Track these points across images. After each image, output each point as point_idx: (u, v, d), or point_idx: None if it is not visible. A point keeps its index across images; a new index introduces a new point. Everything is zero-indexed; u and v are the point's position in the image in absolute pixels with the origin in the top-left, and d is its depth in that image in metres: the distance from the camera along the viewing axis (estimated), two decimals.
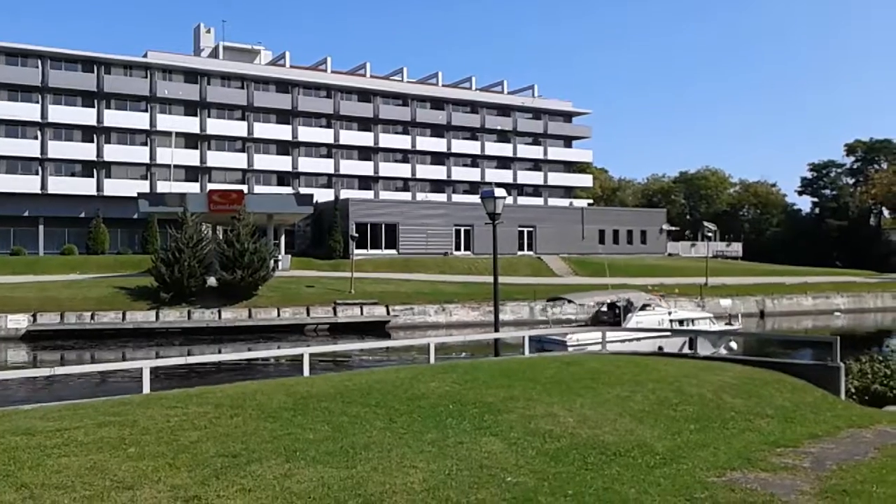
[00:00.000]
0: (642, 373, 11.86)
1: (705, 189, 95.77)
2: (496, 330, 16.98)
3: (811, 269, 59.54)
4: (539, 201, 74.02)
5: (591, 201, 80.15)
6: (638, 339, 23.66)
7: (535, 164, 77.22)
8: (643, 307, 27.68)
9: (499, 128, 75.05)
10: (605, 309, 28.33)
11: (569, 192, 78.51)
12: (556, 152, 78.01)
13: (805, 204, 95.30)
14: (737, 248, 75.70)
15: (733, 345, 23.32)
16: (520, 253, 58.06)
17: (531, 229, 60.20)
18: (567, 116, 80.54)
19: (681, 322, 28.18)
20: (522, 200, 72.00)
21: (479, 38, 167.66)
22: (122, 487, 5.65)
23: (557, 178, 77.52)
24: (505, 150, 75.16)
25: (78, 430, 7.50)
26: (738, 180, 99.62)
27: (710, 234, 57.30)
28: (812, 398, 12.19)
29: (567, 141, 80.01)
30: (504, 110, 76.23)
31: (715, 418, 9.80)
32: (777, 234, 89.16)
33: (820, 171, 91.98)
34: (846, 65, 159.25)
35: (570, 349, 22.37)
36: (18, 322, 32.62)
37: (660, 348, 23.71)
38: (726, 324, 30.19)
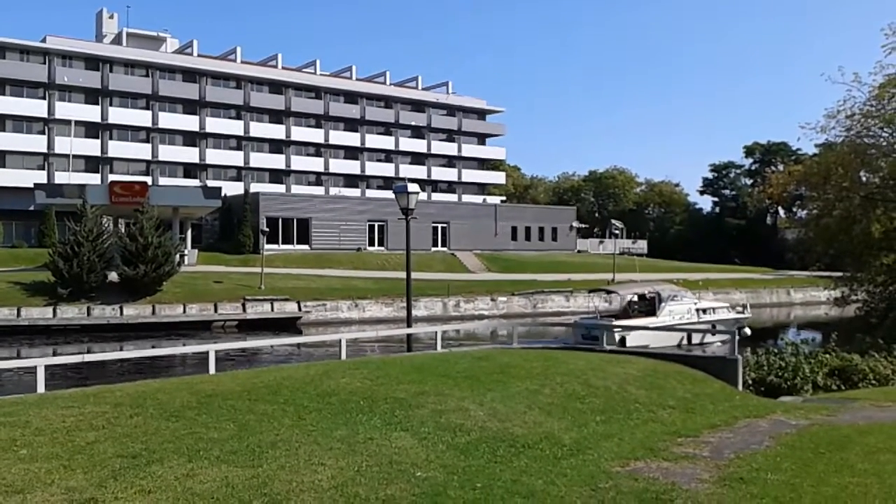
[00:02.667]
0: (552, 366, 12.09)
1: (613, 188, 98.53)
2: (409, 325, 16.99)
3: (712, 266, 62.08)
4: (453, 198, 74.48)
5: (503, 198, 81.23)
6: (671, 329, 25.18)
7: (450, 161, 77.65)
8: (672, 298, 28.53)
9: (413, 123, 75.07)
10: (635, 300, 29.02)
11: (482, 188, 79.36)
12: (470, 149, 78.70)
13: (706, 203, 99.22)
14: (642, 245, 78.18)
15: (747, 331, 24.34)
16: (434, 249, 58.29)
17: (445, 225, 60.54)
18: (481, 114, 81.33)
19: (704, 311, 29.65)
20: (436, 196, 72.30)
21: (393, 32, 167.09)
22: (12, 491, 5.43)
23: (471, 175, 78.20)
24: (419, 146, 75.27)
25: None
26: (644, 180, 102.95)
27: (617, 232, 59.03)
28: (711, 389, 12.74)
29: (481, 138, 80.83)
30: (419, 106, 76.29)
31: (620, 410, 10.11)
32: (680, 232, 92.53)
33: (720, 172, 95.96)
34: (744, 68, 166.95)
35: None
36: None
37: (689, 339, 26.89)
38: (738, 312, 31.58)
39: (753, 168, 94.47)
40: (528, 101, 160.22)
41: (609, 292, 33.48)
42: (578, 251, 69.64)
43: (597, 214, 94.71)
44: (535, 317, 42.04)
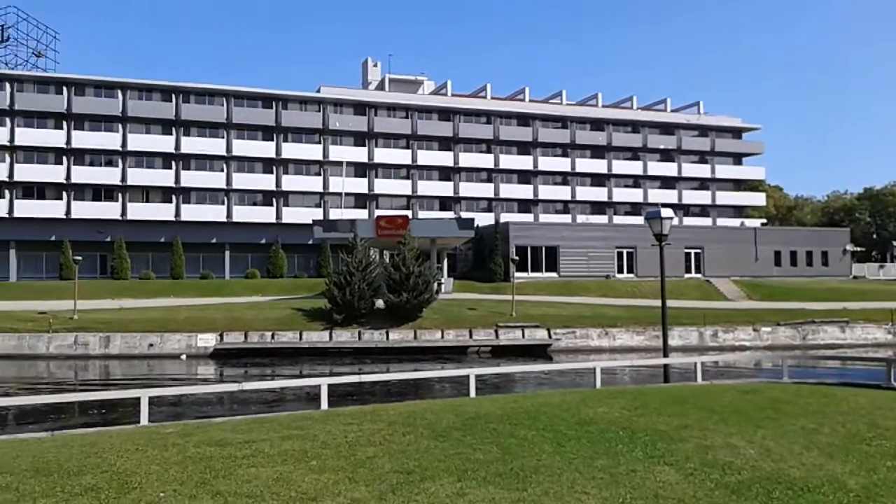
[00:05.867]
0: (829, 404, 10.99)
1: (893, 206, 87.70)
2: (665, 355, 16.38)
3: None
4: (707, 222, 70.97)
5: (764, 221, 75.74)
6: None
7: (702, 183, 74.16)
8: None
9: (662, 147, 72.88)
10: None
11: (739, 211, 74.69)
12: (725, 170, 74.56)
13: None
14: None
15: None
16: (687, 276, 55.82)
17: (699, 251, 57.75)
18: (736, 132, 76.83)
19: None
20: (688, 221, 69.37)
21: (641, 60, 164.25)
22: (307, 499, 5.97)
23: (726, 198, 73.98)
24: (669, 169, 72.83)
25: (264, 443, 8.04)
26: None
27: None
28: None
29: (736, 158, 76.28)
30: (667, 128, 73.98)
31: None
32: None
33: None
34: None
35: None
36: (207, 341, 35.44)
37: None
38: None
39: None
40: (790, 116, 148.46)
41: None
42: (854, 277, 62.73)
43: (874, 236, 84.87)
44: (804, 349, 38.45)
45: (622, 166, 71.60)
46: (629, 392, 12.34)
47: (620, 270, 55.57)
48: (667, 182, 72.97)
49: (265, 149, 61.78)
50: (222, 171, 60.96)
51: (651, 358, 29.03)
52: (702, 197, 73.52)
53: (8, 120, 56.11)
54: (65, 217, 56.31)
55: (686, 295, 47.98)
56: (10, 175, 55.48)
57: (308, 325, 37.54)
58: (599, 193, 70.50)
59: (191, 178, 59.71)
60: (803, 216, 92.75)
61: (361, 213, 61.16)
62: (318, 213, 60.20)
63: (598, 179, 71.09)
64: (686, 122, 74.39)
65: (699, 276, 56.64)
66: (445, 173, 67.05)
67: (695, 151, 74.41)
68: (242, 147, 61.21)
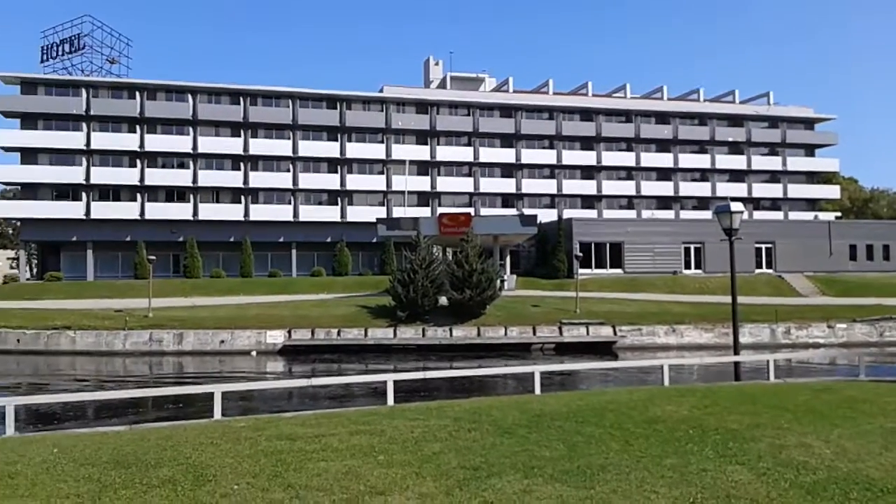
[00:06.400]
0: None
1: None
2: (736, 353, 16.00)
3: None
4: (778, 215, 68.95)
5: (838, 214, 73.00)
6: None
7: (773, 176, 72.05)
8: None
9: (730, 139, 71.06)
10: None
11: (812, 204, 72.23)
12: (797, 162, 72.23)
13: None
14: None
15: None
16: (757, 271, 54.31)
17: (770, 245, 56.09)
18: (808, 123, 74.32)
19: None
20: (758, 215, 67.56)
21: (704, 52, 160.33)
22: (375, 492, 6.08)
23: (798, 191, 71.68)
24: (738, 162, 70.98)
25: (333, 437, 8.20)
26: None
27: None
28: None
29: (809, 150, 73.78)
30: (736, 120, 72.11)
31: None
32: None
33: None
34: None
35: None
36: (276, 338, 36.21)
37: None
38: None
39: None
40: (864, 106, 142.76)
41: None
42: None
43: None
44: (881, 346, 37.02)
45: (689, 160, 70.12)
46: (699, 390, 12.12)
47: (688, 266, 54.45)
48: (736, 175, 71.17)
49: (330, 149, 62.72)
50: (289, 171, 62.15)
51: (720, 355, 28.43)
52: (773, 190, 71.45)
53: (84, 125, 58.43)
54: (139, 218, 58.33)
55: (757, 291, 46.75)
56: (87, 178, 57.77)
57: (372, 322, 38.00)
58: (665, 188, 69.22)
59: (259, 179, 61.09)
60: (879, 209, 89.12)
61: (424, 211, 61.53)
62: (381, 212, 60.83)
63: (663, 174, 69.81)
64: (755, 113, 72.34)
65: (770, 271, 55.05)
66: (507, 170, 66.85)
67: (765, 143, 72.33)
68: (308, 147, 62.26)
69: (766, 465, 7.11)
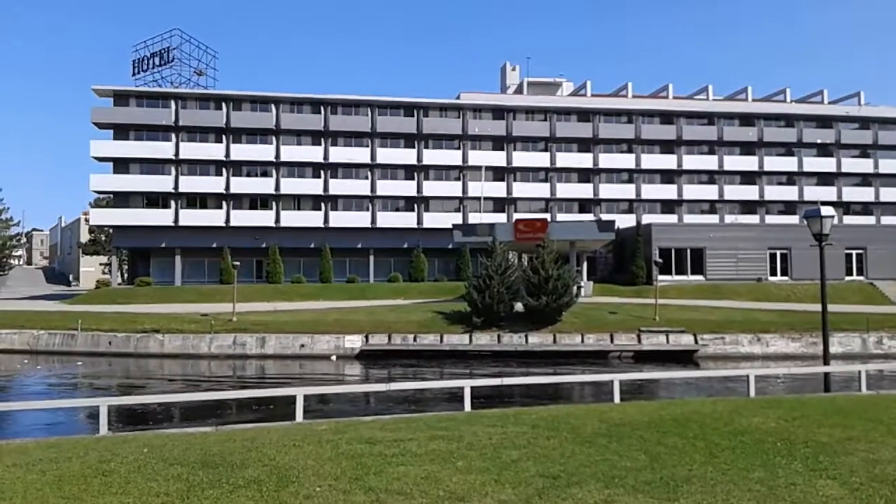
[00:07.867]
0: None
1: None
2: (826, 363, 15.36)
3: None
4: (870, 220, 65.92)
5: None
6: None
7: (864, 179, 68.93)
8: None
9: (819, 141, 68.35)
10: None
11: None
12: (890, 164, 68.86)
13: None
14: None
15: None
16: (847, 278, 52.06)
17: (861, 251, 53.69)
18: None
19: None
20: (849, 220, 64.71)
21: (794, 56, 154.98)
22: (455, 498, 6.10)
23: (891, 194, 68.36)
24: (827, 164, 68.18)
25: (412, 442, 8.28)
26: None
27: None
28: None
29: None
30: (825, 122, 69.32)
31: None
32: None
33: None
34: None
35: None
36: (354, 342, 36.78)
37: None
38: None
39: None
40: None
41: None
42: None
43: None
44: None
45: (774, 163, 67.80)
46: (786, 401, 11.69)
47: (773, 273, 52.65)
48: (824, 178, 68.40)
49: (407, 156, 63.38)
50: (367, 178, 63.11)
51: (808, 366, 27.37)
52: (864, 194, 68.36)
53: (173, 135, 60.82)
54: (224, 225, 60.27)
55: (847, 299, 44.80)
56: (176, 186, 60.07)
57: (448, 328, 38.13)
58: (749, 192, 67.10)
59: (338, 186, 62.23)
60: None
61: (500, 217, 61.42)
62: (457, 218, 61.06)
63: (747, 177, 67.71)
64: (846, 114, 69.39)
65: (861, 278, 52.69)
66: (584, 175, 66.09)
67: (855, 145, 69.28)
68: (386, 155, 63.09)
69: (860, 480, 6.81)
